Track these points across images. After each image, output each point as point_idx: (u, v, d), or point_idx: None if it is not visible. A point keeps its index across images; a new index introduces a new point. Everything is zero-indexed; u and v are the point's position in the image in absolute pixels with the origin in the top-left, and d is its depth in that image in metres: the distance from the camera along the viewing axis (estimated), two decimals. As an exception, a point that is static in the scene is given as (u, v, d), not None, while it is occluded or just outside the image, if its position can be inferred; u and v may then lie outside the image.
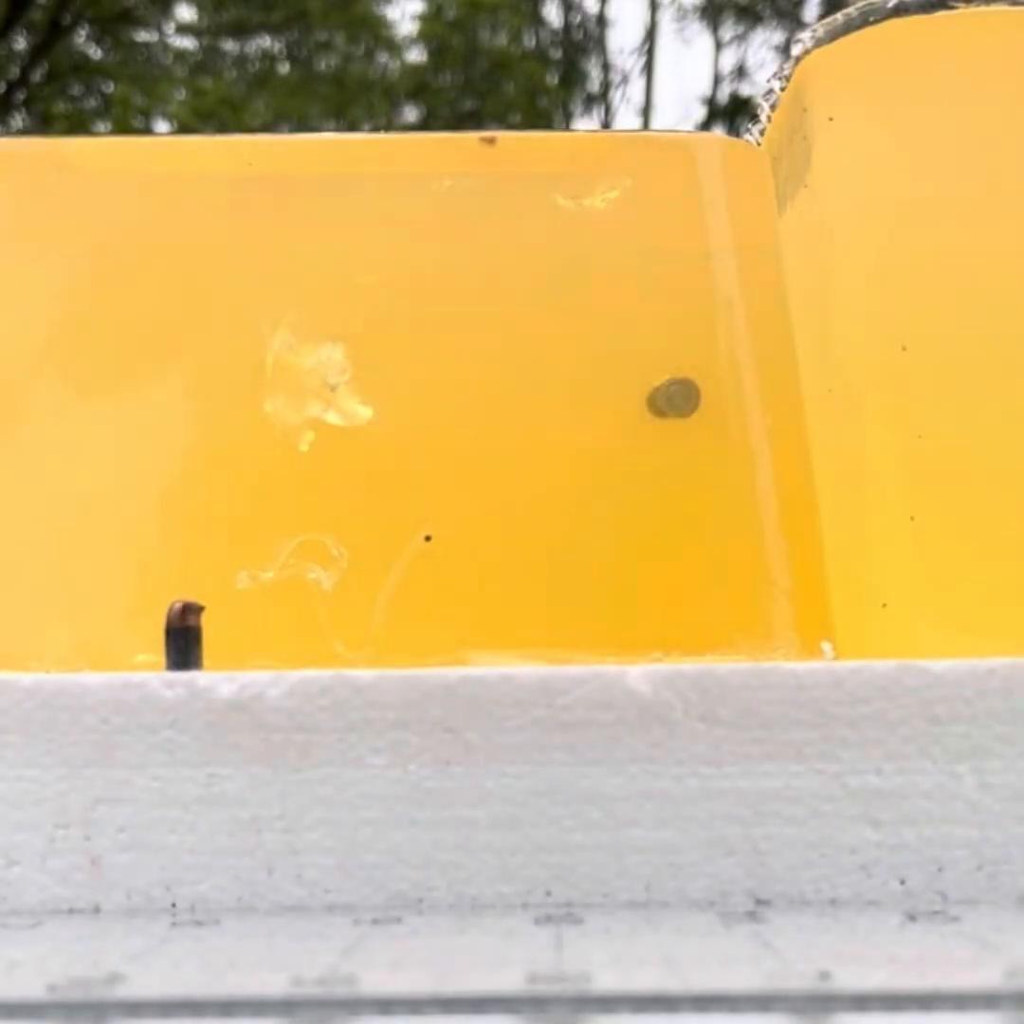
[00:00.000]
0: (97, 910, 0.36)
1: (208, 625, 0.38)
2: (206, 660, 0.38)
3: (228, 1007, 0.26)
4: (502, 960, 0.30)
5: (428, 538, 0.38)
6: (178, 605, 0.35)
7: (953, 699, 0.36)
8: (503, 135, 0.42)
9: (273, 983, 0.27)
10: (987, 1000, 0.25)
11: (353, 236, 0.42)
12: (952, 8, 0.45)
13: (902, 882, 0.36)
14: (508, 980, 0.27)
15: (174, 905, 0.36)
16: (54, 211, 0.43)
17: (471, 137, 0.42)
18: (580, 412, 0.41)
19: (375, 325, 0.41)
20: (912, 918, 0.35)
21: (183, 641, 0.35)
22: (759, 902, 0.36)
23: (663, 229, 0.42)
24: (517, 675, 0.37)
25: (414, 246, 0.42)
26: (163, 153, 0.43)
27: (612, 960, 0.29)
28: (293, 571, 0.38)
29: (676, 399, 0.38)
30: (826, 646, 0.38)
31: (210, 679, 0.36)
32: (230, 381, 0.41)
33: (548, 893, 0.36)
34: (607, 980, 0.27)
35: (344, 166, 0.42)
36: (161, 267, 0.42)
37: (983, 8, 0.45)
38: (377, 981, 0.27)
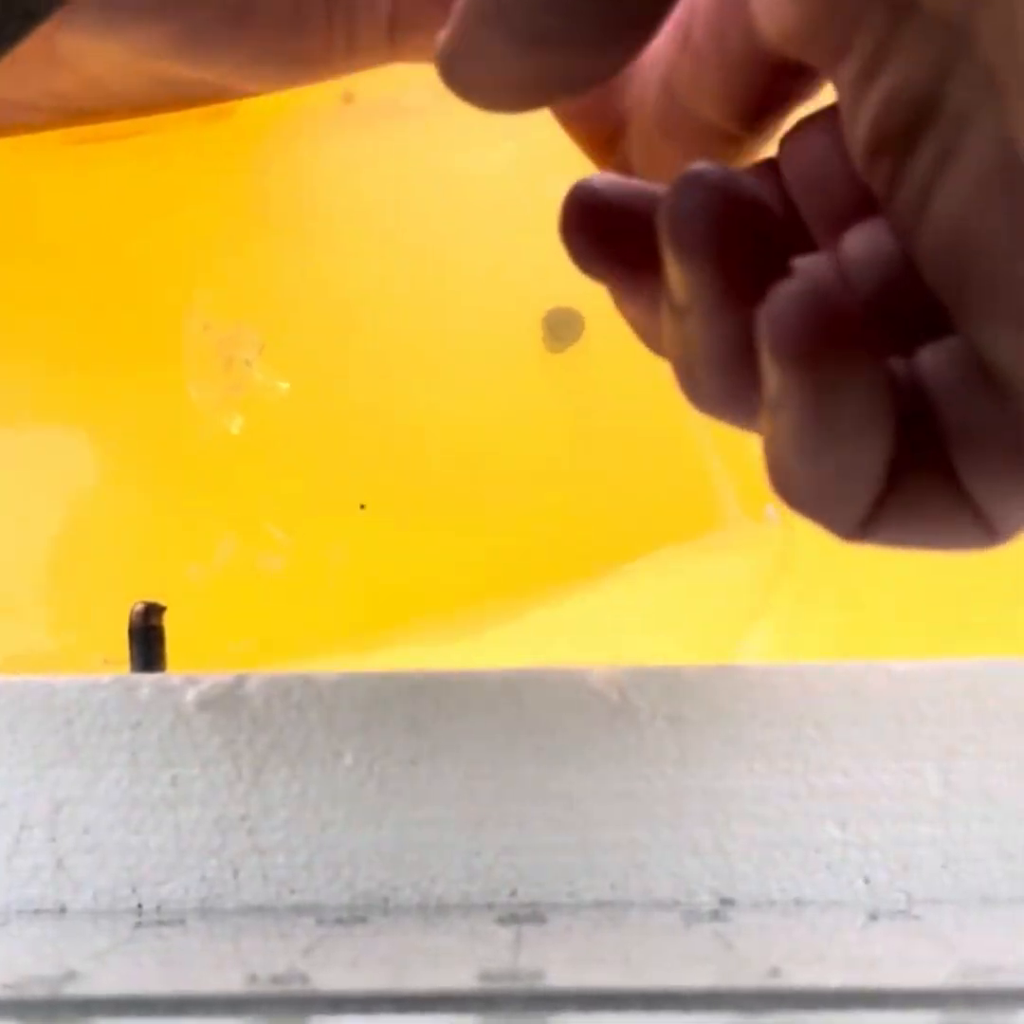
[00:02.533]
0: (63, 910, 0.36)
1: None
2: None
3: (179, 1005, 0.26)
4: (459, 959, 0.30)
5: (362, 507, 0.38)
6: (140, 606, 0.34)
7: (918, 699, 0.36)
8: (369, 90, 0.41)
9: (228, 981, 0.27)
10: (935, 998, 0.25)
11: (249, 204, 0.42)
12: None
13: (867, 881, 0.36)
14: (461, 978, 0.27)
15: (140, 905, 0.36)
16: None
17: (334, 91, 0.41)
18: (481, 350, 0.40)
19: (277, 293, 0.41)
20: (874, 917, 0.35)
21: (146, 642, 0.35)
22: (724, 901, 0.36)
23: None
24: (483, 676, 0.37)
25: (302, 203, 0.42)
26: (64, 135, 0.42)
27: (568, 959, 0.30)
28: (237, 556, 0.38)
29: (558, 328, 0.38)
30: (769, 509, 0.38)
31: (175, 680, 0.36)
32: (147, 366, 0.40)
33: (513, 892, 0.36)
34: (559, 978, 0.27)
35: (227, 137, 0.41)
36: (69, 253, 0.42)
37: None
38: (331, 979, 0.27)
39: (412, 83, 0.40)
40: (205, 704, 0.36)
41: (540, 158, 0.40)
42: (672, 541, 0.39)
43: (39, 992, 0.27)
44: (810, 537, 0.37)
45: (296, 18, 0.35)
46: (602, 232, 0.25)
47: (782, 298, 0.20)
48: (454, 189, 0.42)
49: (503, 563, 0.39)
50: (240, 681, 0.36)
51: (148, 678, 0.36)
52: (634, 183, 0.25)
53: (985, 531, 0.23)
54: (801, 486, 0.22)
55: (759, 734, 0.37)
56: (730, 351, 0.22)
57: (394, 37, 0.36)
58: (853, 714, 0.36)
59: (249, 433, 0.40)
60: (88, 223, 0.42)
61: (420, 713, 0.36)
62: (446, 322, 0.41)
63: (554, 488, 0.40)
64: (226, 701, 0.36)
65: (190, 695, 0.36)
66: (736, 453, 0.40)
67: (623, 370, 0.39)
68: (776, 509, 0.39)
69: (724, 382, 0.23)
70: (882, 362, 0.22)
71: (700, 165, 0.22)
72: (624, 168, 0.31)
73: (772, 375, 0.21)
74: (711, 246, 0.22)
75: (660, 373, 0.25)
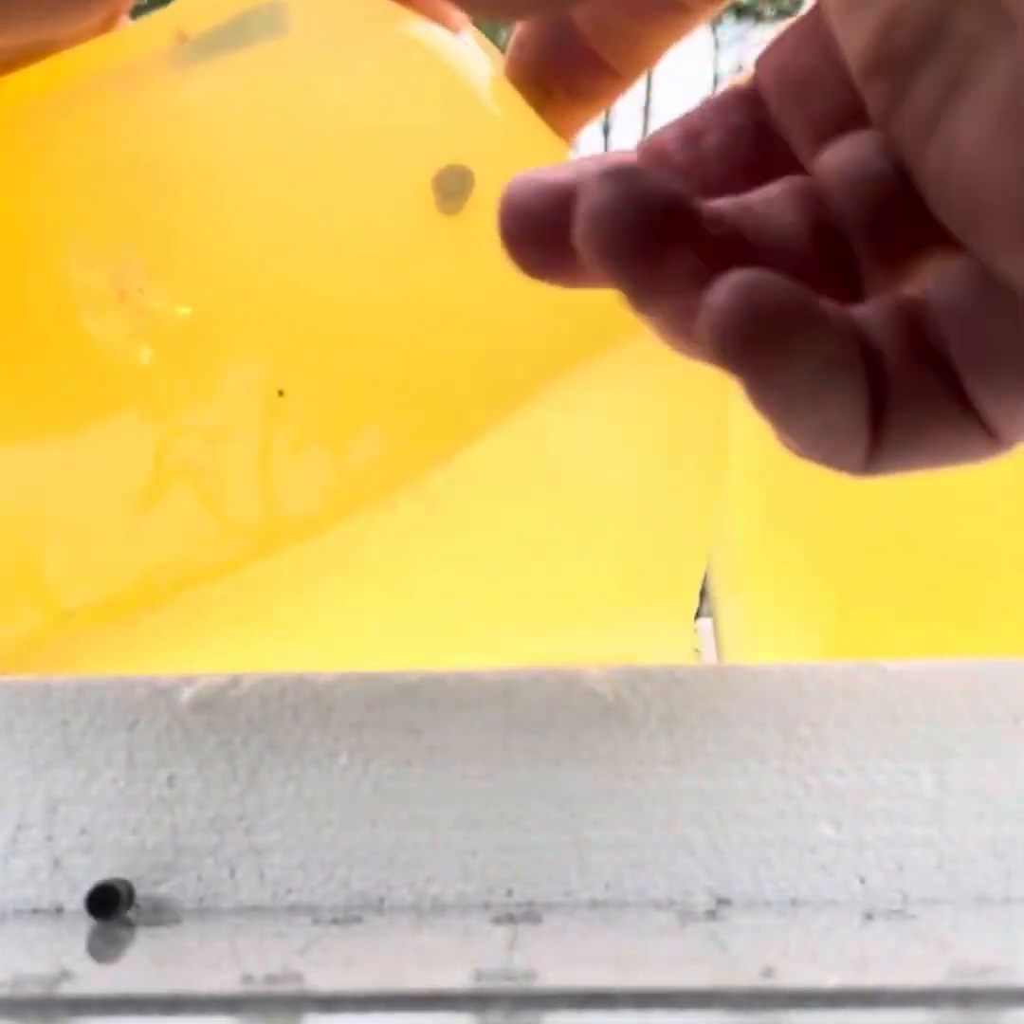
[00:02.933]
0: (59, 910, 0.36)
1: (105, 553, 0.37)
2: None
3: (172, 1004, 0.26)
4: (454, 958, 0.30)
5: (281, 393, 0.37)
6: None
7: (913, 698, 0.37)
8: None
9: (222, 981, 0.27)
10: (928, 997, 0.25)
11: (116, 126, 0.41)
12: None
13: (862, 881, 0.36)
14: (454, 978, 0.27)
15: (137, 906, 0.36)
16: None
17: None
18: (372, 214, 0.39)
19: (160, 209, 0.40)
20: (869, 917, 0.35)
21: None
22: (720, 901, 0.36)
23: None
24: (478, 675, 0.37)
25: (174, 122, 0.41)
26: None
27: (562, 958, 0.30)
28: (171, 472, 0.37)
29: (449, 185, 0.38)
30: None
31: (171, 680, 0.36)
32: (45, 307, 0.39)
33: (509, 892, 0.36)
34: (551, 977, 0.27)
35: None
36: None
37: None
38: (325, 979, 0.28)
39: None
40: (201, 705, 0.36)
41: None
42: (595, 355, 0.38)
43: (33, 991, 0.27)
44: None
45: None
46: (543, 242, 0.25)
47: (718, 295, 0.21)
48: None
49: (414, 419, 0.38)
50: (235, 681, 0.36)
51: (144, 678, 0.36)
52: (548, 178, 0.25)
53: (990, 441, 0.24)
54: (795, 443, 0.23)
55: (753, 734, 0.37)
56: (681, 331, 0.23)
57: None
58: (847, 714, 0.37)
59: (161, 360, 0.39)
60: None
61: (415, 714, 0.37)
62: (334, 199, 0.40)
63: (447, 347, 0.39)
64: (222, 701, 0.36)
65: (186, 695, 0.36)
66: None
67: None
68: None
69: (692, 353, 0.24)
70: (829, 323, 0.22)
71: (609, 165, 0.22)
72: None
73: (723, 364, 0.22)
74: (625, 249, 0.22)
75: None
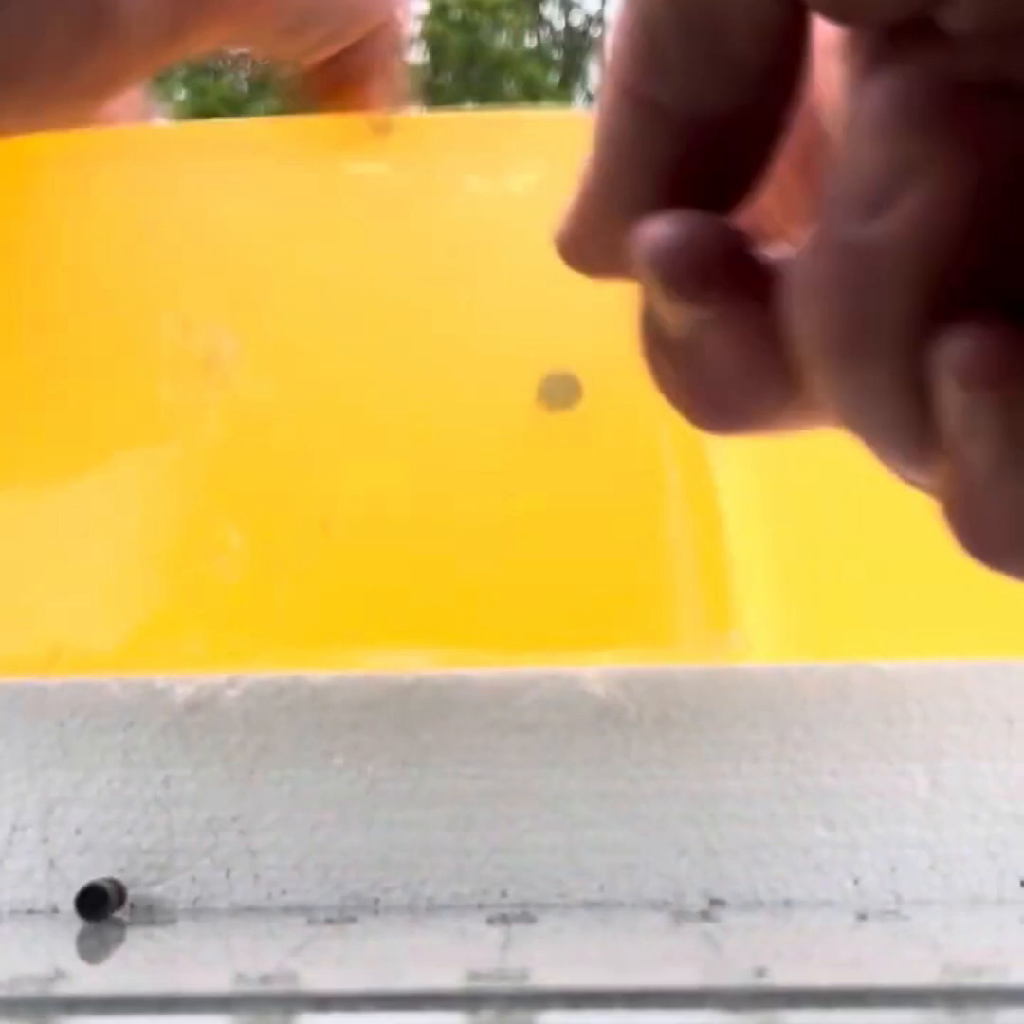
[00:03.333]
0: (55, 911, 0.36)
1: (114, 620, 0.38)
2: (114, 659, 0.38)
3: (166, 1003, 0.26)
4: (447, 958, 0.30)
5: (324, 526, 0.38)
6: None
7: (906, 700, 0.37)
8: (402, 119, 0.42)
9: (216, 981, 0.28)
10: (919, 996, 0.26)
11: (247, 219, 0.42)
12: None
13: (855, 882, 0.36)
14: (448, 977, 0.27)
15: (132, 906, 0.36)
16: None
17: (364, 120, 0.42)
18: (474, 403, 0.40)
19: (271, 311, 0.41)
20: (863, 917, 0.35)
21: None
22: (713, 902, 0.36)
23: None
24: (473, 677, 0.37)
25: (313, 230, 0.42)
26: (51, 142, 0.43)
27: (555, 958, 0.30)
28: (199, 561, 0.38)
29: (557, 392, 0.38)
30: (734, 635, 0.38)
31: (166, 681, 0.37)
32: (123, 369, 0.40)
33: (504, 893, 0.36)
34: (544, 977, 0.27)
35: (236, 148, 0.41)
36: (37, 253, 0.42)
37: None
38: (318, 979, 0.28)
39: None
40: (197, 706, 0.36)
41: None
42: (623, 642, 0.39)
43: (28, 991, 0.27)
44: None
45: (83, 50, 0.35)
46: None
47: (964, 332, 0.20)
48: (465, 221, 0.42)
49: (446, 618, 0.39)
50: (232, 682, 0.37)
51: (140, 679, 0.37)
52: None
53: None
54: (1007, 529, 0.20)
55: (747, 735, 0.37)
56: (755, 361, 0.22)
57: (178, 32, 0.37)
58: (841, 715, 0.37)
59: (223, 441, 0.40)
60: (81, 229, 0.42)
61: (410, 715, 0.37)
62: (443, 366, 0.41)
63: (519, 548, 0.40)
64: (217, 702, 0.36)
65: (182, 697, 0.37)
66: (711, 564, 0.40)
67: (619, 440, 0.40)
68: (741, 635, 0.39)
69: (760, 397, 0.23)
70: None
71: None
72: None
73: (959, 403, 0.20)
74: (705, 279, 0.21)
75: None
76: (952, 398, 0.20)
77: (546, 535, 0.40)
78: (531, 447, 0.40)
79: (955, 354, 0.19)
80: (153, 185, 0.40)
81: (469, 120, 0.43)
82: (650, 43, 0.20)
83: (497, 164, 0.41)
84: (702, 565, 0.40)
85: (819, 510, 0.42)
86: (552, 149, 0.41)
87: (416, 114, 0.43)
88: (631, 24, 0.20)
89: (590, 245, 0.22)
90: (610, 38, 0.21)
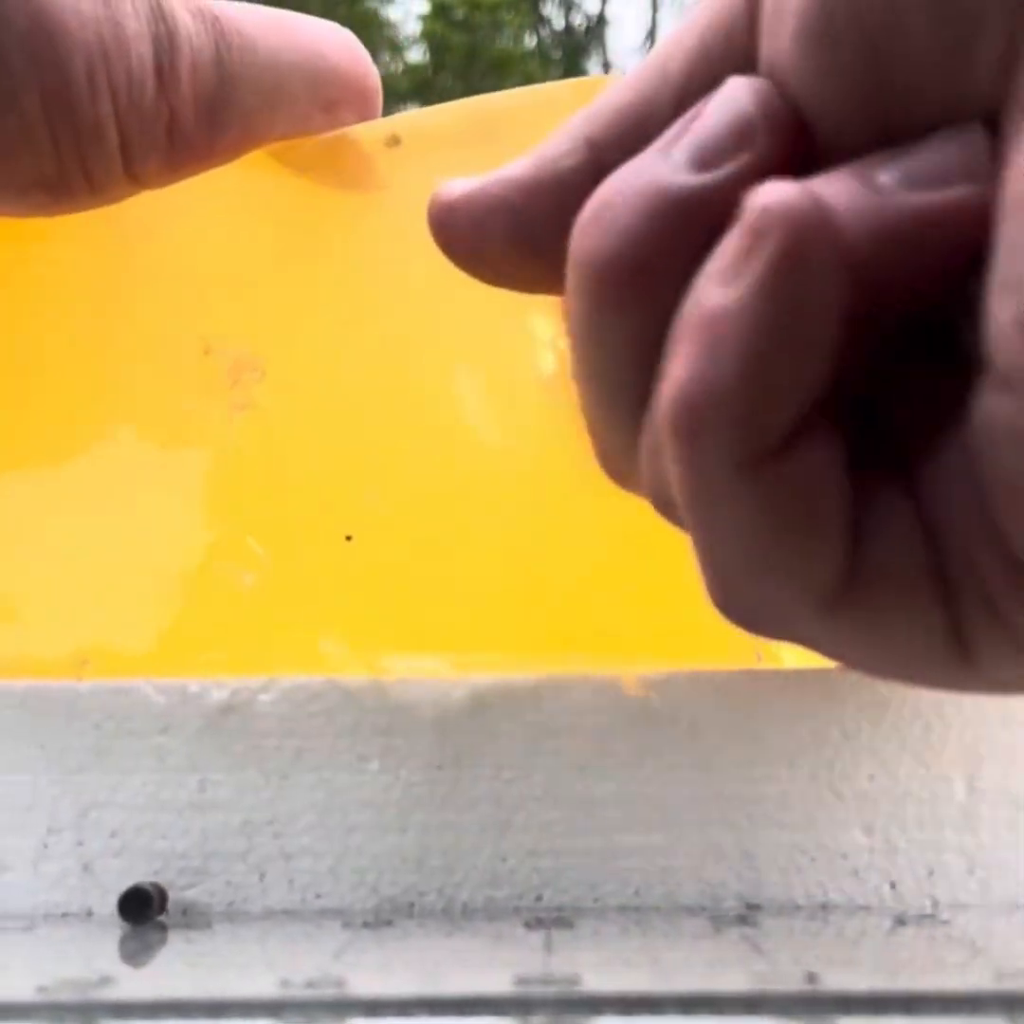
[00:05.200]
0: (89, 914, 0.36)
1: (133, 628, 0.38)
2: (128, 667, 0.38)
3: (215, 1009, 0.26)
4: (491, 963, 0.30)
5: (349, 538, 0.38)
6: None
7: (944, 703, 0.37)
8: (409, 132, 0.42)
9: (261, 985, 0.27)
10: (973, 1002, 0.25)
11: (266, 236, 0.42)
12: None
13: (893, 886, 0.36)
14: (496, 982, 0.27)
15: (166, 909, 0.36)
16: None
17: (379, 134, 0.41)
18: (500, 410, 0.40)
19: (294, 324, 0.41)
20: (902, 922, 0.35)
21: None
22: (750, 906, 0.36)
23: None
24: (508, 681, 0.37)
25: (334, 247, 0.42)
26: None
27: (601, 963, 0.30)
28: (219, 571, 0.38)
29: None
30: (758, 657, 0.38)
31: (201, 685, 0.36)
32: (149, 380, 0.41)
33: (539, 898, 0.36)
34: (594, 982, 0.27)
35: (254, 169, 0.41)
36: (60, 274, 0.42)
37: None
38: (365, 983, 0.27)
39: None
40: (232, 708, 0.36)
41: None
42: (651, 653, 0.39)
43: (74, 996, 0.27)
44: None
45: (23, 151, 0.34)
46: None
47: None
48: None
49: (475, 626, 0.39)
50: (267, 686, 0.36)
51: (174, 683, 0.36)
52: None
53: (963, 661, 0.20)
54: (748, 591, 0.20)
55: (784, 739, 0.37)
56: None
57: (132, 168, 0.35)
58: (878, 719, 0.37)
59: (246, 451, 0.40)
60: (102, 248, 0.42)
61: (445, 718, 0.37)
62: (468, 370, 0.41)
63: (542, 562, 0.40)
64: (253, 705, 0.36)
65: (216, 700, 0.36)
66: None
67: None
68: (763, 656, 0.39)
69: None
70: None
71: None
72: None
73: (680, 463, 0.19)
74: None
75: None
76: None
77: (581, 541, 0.40)
78: (561, 453, 0.39)
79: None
80: (171, 203, 0.40)
81: (470, 116, 0.43)
82: None
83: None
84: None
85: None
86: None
87: (416, 118, 0.42)
88: None
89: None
90: None
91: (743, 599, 0.21)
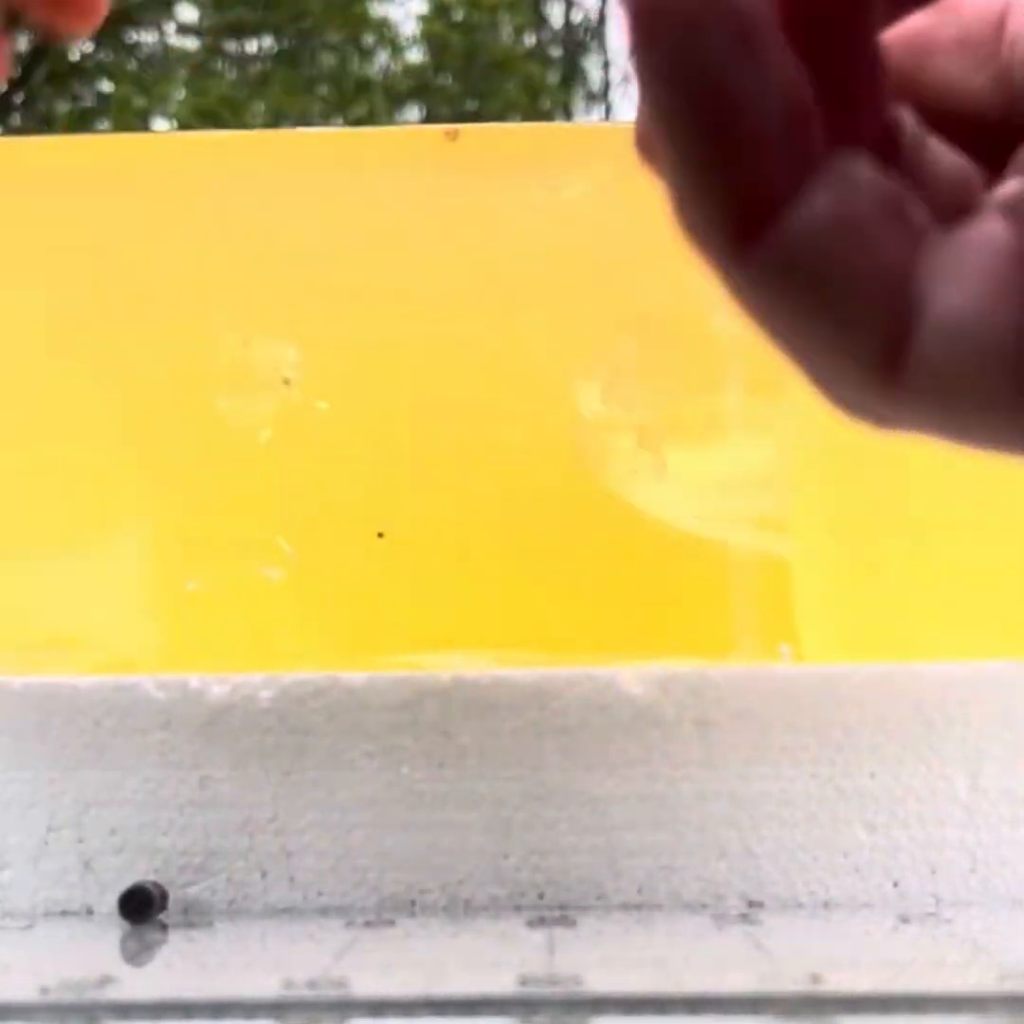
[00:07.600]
0: (90, 912, 0.36)
1: (161, 624, 0.38)
2: (157, 662, 0.38)
3: (219, 1009, 0.25)
4: (494, 962, 0.30)
5: (381, 535, 0.38)
6: None
7: (946, 702, 0.36)
8: (466, 127, 0.42)
9: (264, 985, 0.27)
10: (978, 1003, 0.25)
11: (310, 232, 0.42)
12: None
13: (895, 884, 0.36)
14: (500, 982, 0.27)
15: (167, 908, 0.36)
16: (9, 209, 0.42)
17: (434, 130, 0.42)
18: (534, 411, 0.40)
19: (332, 321, 0.41)
20: (905, 920, 0.35)
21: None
22: (752, 904, 0.36)
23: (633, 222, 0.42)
24: (511, 677, 0.37)
25: (374, 242, 0.42)
26: (113, 151, 0.43)
27: (604, 962, 0.29)
28: (247, 568, 0.38)
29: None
30: (784, 649, 0.38)
31: (202, 681, 0.36)
32: (184, 377, 0.41)
33: (541, 896, 0.36)
34: (598, 982, 0.27)
35: (300, 161, 0.41)
36: (106, 265, 0.42)
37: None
38: (368, 983, 0.27)
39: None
40: (232, 706, 0.36)
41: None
42: (676, 653, 0.39)
43: (76, 997, 0.26)
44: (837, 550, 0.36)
45: None
46: None
47: None
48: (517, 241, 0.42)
49: (504, 622, 0.40)
50: (268, 683, 0.36)
51: (175, 679, 0.36)
52: None
53: None
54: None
55: (786, 737, 0.36)
56: None
57: None
58: (880, 717, 0.36)
59: (277, 449, 0.40)
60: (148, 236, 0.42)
61: (448, 716, 0.36)
62: (503, 373, 0.41)
63: (571, 560, 0.40)
64: (255, 702, 0.36)
65: (218, 696, 0.36)
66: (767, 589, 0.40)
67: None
68: (789, 648, 0.39)
69: None
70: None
71: None
72: None
73: None
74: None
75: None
76: None
77: (595, 543, 0.40)
78: (580, 455, 0.39)
79: None
80: (216, 195, 0.40)
81: (527, 131, 0.44)
82: None
83: (553, 174, 0.41)
84: (757, 576, 0.40)
85: (863, 516, 0.42)
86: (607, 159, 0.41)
87: (478, 125, 0.43)
88: None
89: None
90: None
91: None
